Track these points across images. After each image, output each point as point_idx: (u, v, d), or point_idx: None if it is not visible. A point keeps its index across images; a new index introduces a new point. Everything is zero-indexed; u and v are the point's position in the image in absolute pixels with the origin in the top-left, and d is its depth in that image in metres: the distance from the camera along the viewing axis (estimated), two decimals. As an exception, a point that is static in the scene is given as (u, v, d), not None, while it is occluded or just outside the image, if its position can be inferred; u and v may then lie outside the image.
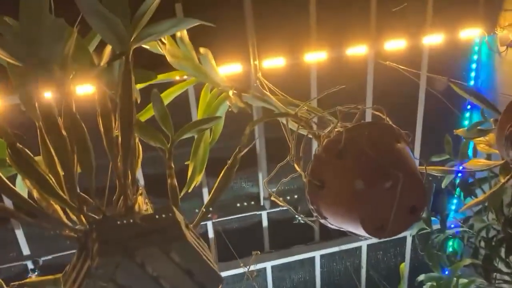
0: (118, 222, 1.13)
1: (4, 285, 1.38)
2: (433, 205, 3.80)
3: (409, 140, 1.36)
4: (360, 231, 1.23)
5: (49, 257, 3.21)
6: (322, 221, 1.39)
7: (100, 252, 1.08)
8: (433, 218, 3.17)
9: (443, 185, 2.73)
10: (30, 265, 3.18)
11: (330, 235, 3.78)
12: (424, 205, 1.31)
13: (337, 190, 1.28)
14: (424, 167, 1.39)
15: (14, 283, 1.37)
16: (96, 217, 1.19)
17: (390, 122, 1.40)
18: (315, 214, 1.39)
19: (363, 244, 3.94)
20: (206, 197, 3.41)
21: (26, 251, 3.24)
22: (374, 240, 3.94)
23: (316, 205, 1.32)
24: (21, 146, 1.18)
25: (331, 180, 1.29)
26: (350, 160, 1.27)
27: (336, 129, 1.38)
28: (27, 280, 1.41)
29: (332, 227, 1.39)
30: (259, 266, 3.24)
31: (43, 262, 3.20)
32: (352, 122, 1.41)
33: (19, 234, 3.17)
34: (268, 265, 3.71)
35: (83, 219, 1.21)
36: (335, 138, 1.34)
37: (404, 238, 4.05)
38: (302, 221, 3.52)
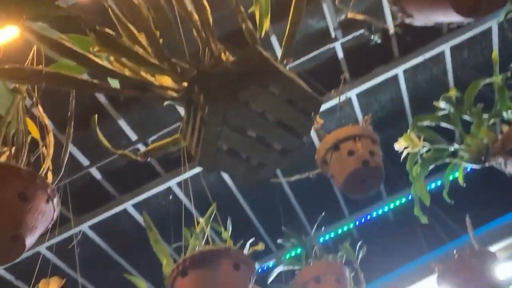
0: (213, 71, 1.19)
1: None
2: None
3: None
4: (452, 16, 1.17)
5: (155, 136, 3.54)
6: (408, 20, 1.34)
7: (207, 100, 1.16)
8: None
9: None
10: (142, 148, 3.56)
11: (409, 48, 3.65)
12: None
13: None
14: None
15: (140, 151, 1.56)
16: (191, 73, 1.26)
17: None
18: (399, 15, 1.34)
19: (446, 48, 3.77)
20: (277, 47, 3.39)
21: (133, 137, 3.59)
22: (457, 41, 3.75)
23: (399, 4, 1.26)
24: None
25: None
26: None
27: None
28: (150, 147, 1.60)
29: (418, 23, 1.34)
30: (343, 98, 3.27)
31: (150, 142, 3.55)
32: None
33: (123, 124, 3.48)
34: (352, 93, 3.75)
35: (179, 80, 1.29)
36: None
37: (490, 29, 3.79)
38: (378, 41, 3.42)
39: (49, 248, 3.77)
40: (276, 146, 1.30)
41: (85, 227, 3.92)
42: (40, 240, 3.79)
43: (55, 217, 1.45)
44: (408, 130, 2.28)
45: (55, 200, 1.41)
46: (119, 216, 4.02)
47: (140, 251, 4.25)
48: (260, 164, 1.33)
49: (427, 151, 2.27)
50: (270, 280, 3.08)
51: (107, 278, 4.29)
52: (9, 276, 4.23)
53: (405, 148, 2.28)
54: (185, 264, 1.77)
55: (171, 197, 3.85)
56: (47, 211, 1.37)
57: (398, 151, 2.51)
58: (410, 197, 4.70)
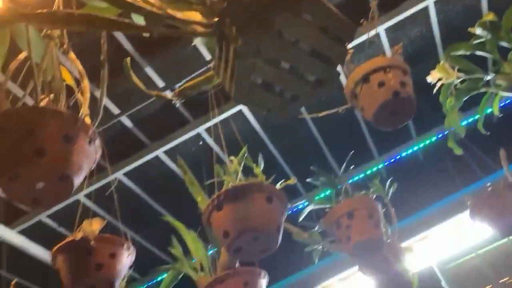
0: (244, 1, 1.16)
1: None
2: None
3: None
4: None
5: (182, 82, 3.55)
6: None
7: (239, 32, 1.15)
8: None
9: None
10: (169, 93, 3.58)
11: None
12: None
13: None
14: None
15: (175, 90, 1.57)
16: (221, 5, 1.23)
17: None
18: None
19: (481, -25, 3.56)
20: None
21: (160, 84, 3.61)
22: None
23: None
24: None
25: None
26: None
27: None
28: (183, 86, 1.61)
29: None
30: (372, 33, 3.16)
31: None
32: None
33: (150, 71, 3.50)
34: (380, 29, 3.61)
35: (209, 13, 1.27)
36: None
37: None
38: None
39: (88, 196, 3.93)
40: (310, 77, 1.28)
41: (120, 174, 4.05)
42: (79, 188, 3.96)
43: (97, 159, 1.50)
44: (442, 61, 2.21)
45: (97, 141, 1.45)
46: (151, 163, 4.13)
47: (172, 195, 4.40)
48: (294, 97, 1.32)
49: (461, 82, 2.20)
50: (301, 218, 3.15)
51: (143, 222, 4.49)
52: (52, 223, 4.48)
53: (438, 80, 2.22)
54: (220, 198, 1.82)
55: (200, 142, 3.91)
56: (90, 152, 1.42)
57: (427, 89, 2.45)
58: (440, 136, 4.64)
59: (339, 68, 1.51)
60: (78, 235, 1.93)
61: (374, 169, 4.79)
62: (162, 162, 4.19)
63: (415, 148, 4.81)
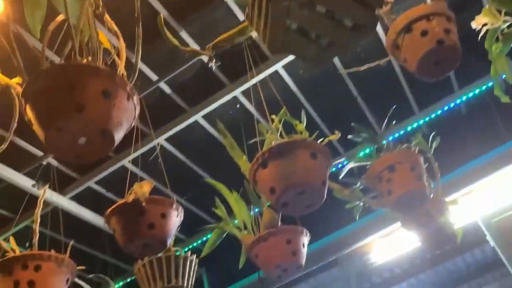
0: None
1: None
2: None
3: None
4: None
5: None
6: None
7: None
8: None
9: None
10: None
11: None
12: None
13: None
14: None
15: (208, 45, 1.55)
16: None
17: None
18: None
19: None
20: None
21: (196, 47, 3.62)
22: None
23: None
24: None
25: None
26: None
27: None
28: (217, 39, 1.60)
29: None
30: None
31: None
32: None
33: (184, 35, 3.50)
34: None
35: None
36: None
37: None
38: None
39: (132, 162, 4.07)
40: (346, 22, 1.24)
41: (161, 140, 4.15)
42: (125, 154, 4.09)
43: (136, 116, 1.53)
44: (487, 5, 2.09)
45: (135, 98, 1.47)
46: (191, 127, 4.21)
47: (213, 158, 4.49)
48: (331, 43, 1.28)
49: (508, 26, 2.09)
50: (341, 175, 3.15)
51: (186, 186, 4.62)
52: (100, 189, 4.69)
53: (483, 25, 2.11)
54: (264, 156, 1.85)
55: (238, 105, 3.94)
56: (128, 108, 1.44)
57: (469, 38, 2.34)
58: (484, 88, 4.46)
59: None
60: (130, 198, 2.02)
61: (415, 125, 4.69)
62: (202, 127, 4.26)
63: (458, 101, 4.65)
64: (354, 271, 5.02)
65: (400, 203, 2.40)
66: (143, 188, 2.06)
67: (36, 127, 1.36)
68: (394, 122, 3.15)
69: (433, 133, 3.06)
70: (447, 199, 3.01)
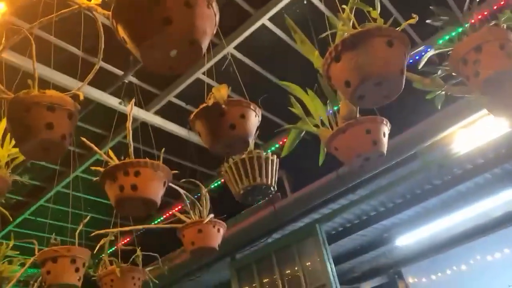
0: None
1: None
2: None
3: None
4: None
5: None
6: None
7: None
8: None
9: None
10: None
11: None
12: None
13: None
14: None
15: None
16: None
17: None
18: None
19: None
20: None
21: None
22: None
23: None
24: None
25: None
26: None
27: None
28: None
29: None
30: None
31: None
32: None
33: None
34: None
35: None
36: None
37: None
38: None
39: (205, 74, 4.17)
40: None
41: (230, 48, 4.17)
42: (197, 66, 4.19)
43: (217, 22, 1.55)
44: None
45: (214, 4, 1.49)
46: (259, 32, 4.15)
47: (282, 62, 4.46)
48: None
49: None
50: (421, 65, 3.00)
51: (258, 92, 4.69)
52: (180, 102, 4.91)
53: None
54: (337, 49, 1.80)
55: (305, 1, 3.78)
56: (210, 15, 1.47)
57: None
58: None
59: None
60: (210, 101, 2.10)
61: (502, 1, 4.23)
62: (269, 30, 4.19)
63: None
64: (435, 163, 4.95)
65: (489, 85, 2.23)
66: (221, 91, 2.12)
67: (130, 45, 1.44)
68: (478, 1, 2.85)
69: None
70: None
